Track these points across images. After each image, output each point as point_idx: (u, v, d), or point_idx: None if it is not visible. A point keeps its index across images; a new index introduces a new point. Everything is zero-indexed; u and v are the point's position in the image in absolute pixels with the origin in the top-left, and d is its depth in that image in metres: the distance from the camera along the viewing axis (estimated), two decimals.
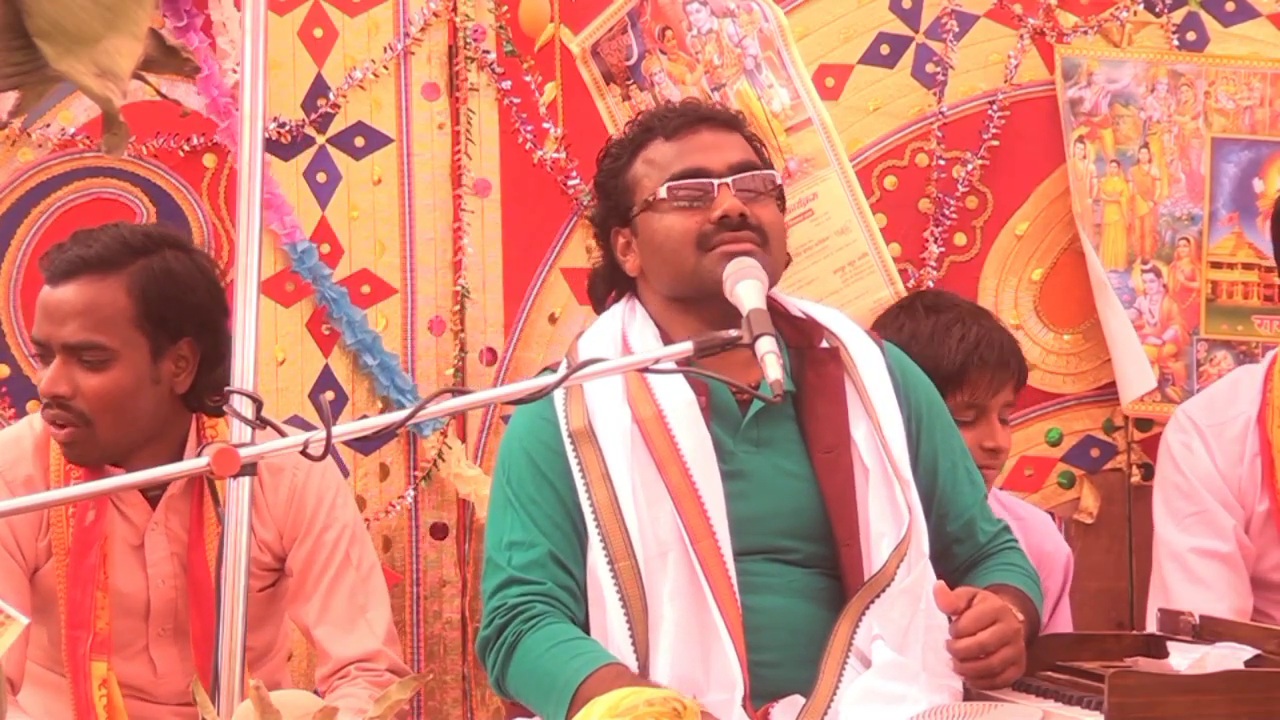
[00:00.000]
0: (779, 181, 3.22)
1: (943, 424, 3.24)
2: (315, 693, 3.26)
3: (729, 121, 3.23)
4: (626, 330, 3.16)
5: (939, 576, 3.05)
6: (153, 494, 3.35)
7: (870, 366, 3.14)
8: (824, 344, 3.16)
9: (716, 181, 3.12)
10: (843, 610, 3.00)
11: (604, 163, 3.26)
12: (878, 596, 2.99)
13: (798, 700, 2.95)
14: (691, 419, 3.05)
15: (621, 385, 3.07)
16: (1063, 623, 3.77)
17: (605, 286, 3.28)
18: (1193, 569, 3.75)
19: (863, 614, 2.98)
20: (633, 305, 3.20)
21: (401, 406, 3.90)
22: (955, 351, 3.60)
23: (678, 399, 3.06)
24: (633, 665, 2.96)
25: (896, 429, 3.11)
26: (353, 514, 3.47)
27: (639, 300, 3.21)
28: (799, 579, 3.06)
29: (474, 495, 3.92)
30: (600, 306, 3.29)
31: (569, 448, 3.07)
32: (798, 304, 3.22)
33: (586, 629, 3.03)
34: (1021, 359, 3.73)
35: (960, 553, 3.20)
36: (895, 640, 2.97)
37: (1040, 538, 3.78)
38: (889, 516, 3.04)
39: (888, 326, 3.64)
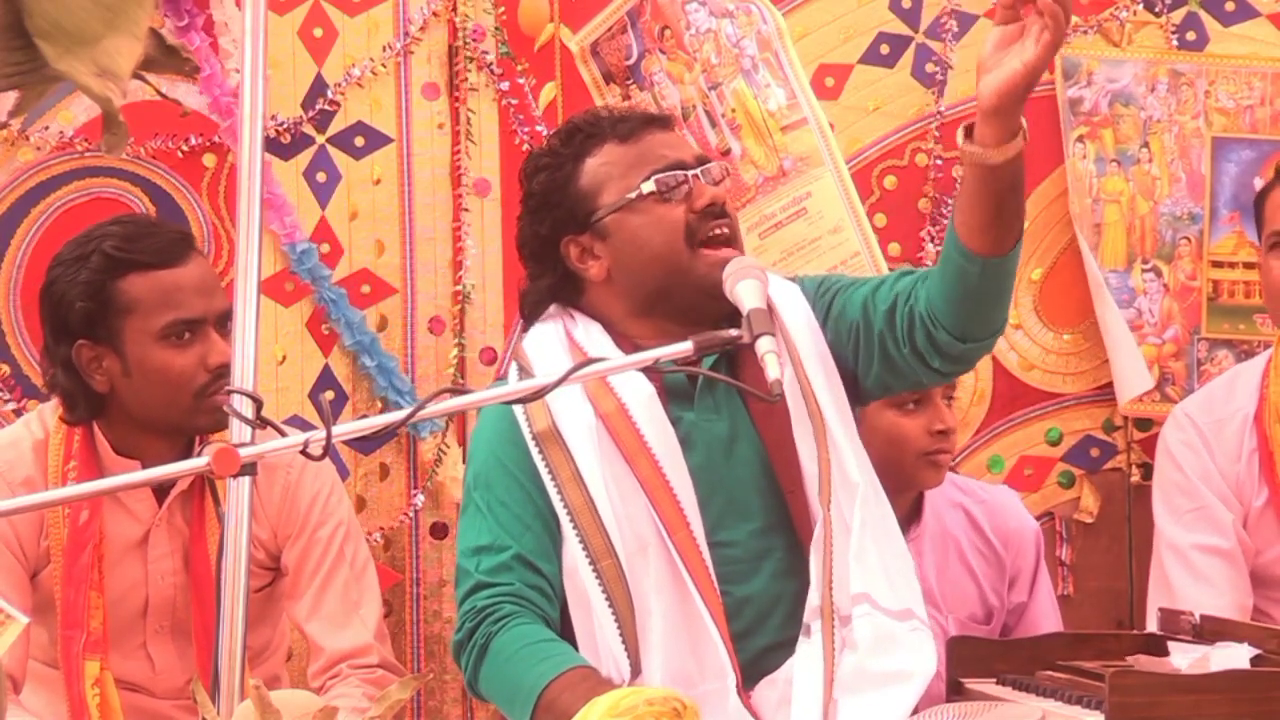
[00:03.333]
0: (729, 170, 3.26)
1: (834, 278, 3.19)
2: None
3: (670, 122, 3.27)
4: (570, 331, 3.15)
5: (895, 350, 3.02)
6: (161, 490, 3.36)
7: (789, 306, 3.12)
8: None
9: (691, 173, 3.14)
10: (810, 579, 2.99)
11: (539, 176, 3.19)
12: (832, 552, 2.97)
13: (773, 678, 2.96)
14: (653, 410, 3.06)
15: (580, 383, 3.05)
16: (1045, 599, 3.75)
17: (547, 303, 3.21)
18: (1195, 565, 3.75)
19: (830, 579, 2.97)
20: (566, 310, 3.19)
21: (400, 407, 3.90)
22: None
23: (638, 391, 3.06)
24: (625, 663, 2.97)
25: (818, 362, 3.08)
26: (347, 511, 3.48)
27: (578, 308, 3.18)
28: (780, 556, 3.06)
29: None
30: (533, 322, 3.24)
31: (534, 450, 3.07)
32: None
33: (560, 627, 3.04)
34: None
35: (882, 311, 3.05)
36: (876, 581, 2.96)
37: (1004, 517, 3.75)
38: (814, 457, 3.03)
39: None
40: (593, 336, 3.13)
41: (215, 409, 3.24)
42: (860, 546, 2.98)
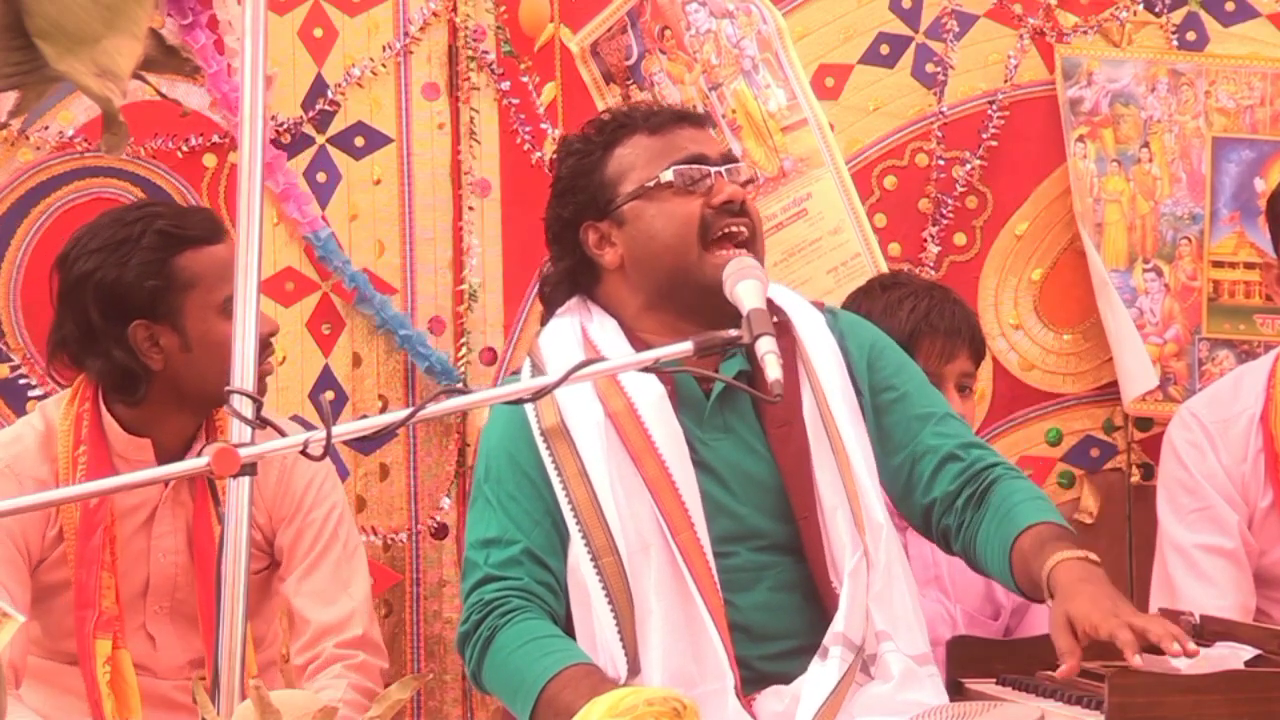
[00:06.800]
0: (757, 179, 3.27)
1: (891, 361, 3.21)
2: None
3: (705, 121, 3.29)
4: (586, 327, 3.17)
5: (914, 515, 3.10)
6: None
7: (813, 334, 3.14)
8: (775, 319, 3.15)
9: (714, 169, 3.15)
10: (826, 599, 3.01)
11: (568, 160, 3.24)
12: (865, 583, 2.99)
13: (780, 690, 2.96)
14: (662, 411, 3.06)
15: (590, 381, 3.07)
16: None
17: (566, 288, 3.24)
18: (1198, 565, 3.75)
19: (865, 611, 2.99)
20: (585, 304, 3.21)
21: (432, 373, 3.97)
22: (905, 321, 3.60)
23: (648, 392, 3.07)
24: (622, 661, 2.97)
25: (840, 396, 3.10)
26: (340, 494, 3.52)
27: (595, 299, 3.21)
28: (784, 569, 3.07)
29: None
30: (554, 310, 3.26)
31: (542, 446, 3.08)
32: None
33: (565, 624, 3.05)
34: (977, 330, 3.72)
35: (919, 504, 3.13)
36: (899, 624, 2.99)
37: None
38: (838, 490, 3.05)
39: (848, 309, 3.63)
40: (607, 334, 3.14)
41: (262, 377, 3.29)
42: (885, 586, 3.01)
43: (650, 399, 3.07)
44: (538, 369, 3.14)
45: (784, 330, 3.13)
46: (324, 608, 3.39)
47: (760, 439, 3.11)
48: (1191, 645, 2.69)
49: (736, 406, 3.12)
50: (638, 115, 3.23)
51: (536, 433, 3.09)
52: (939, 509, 3.10)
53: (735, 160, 3.21)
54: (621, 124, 3.22)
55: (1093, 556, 2.84)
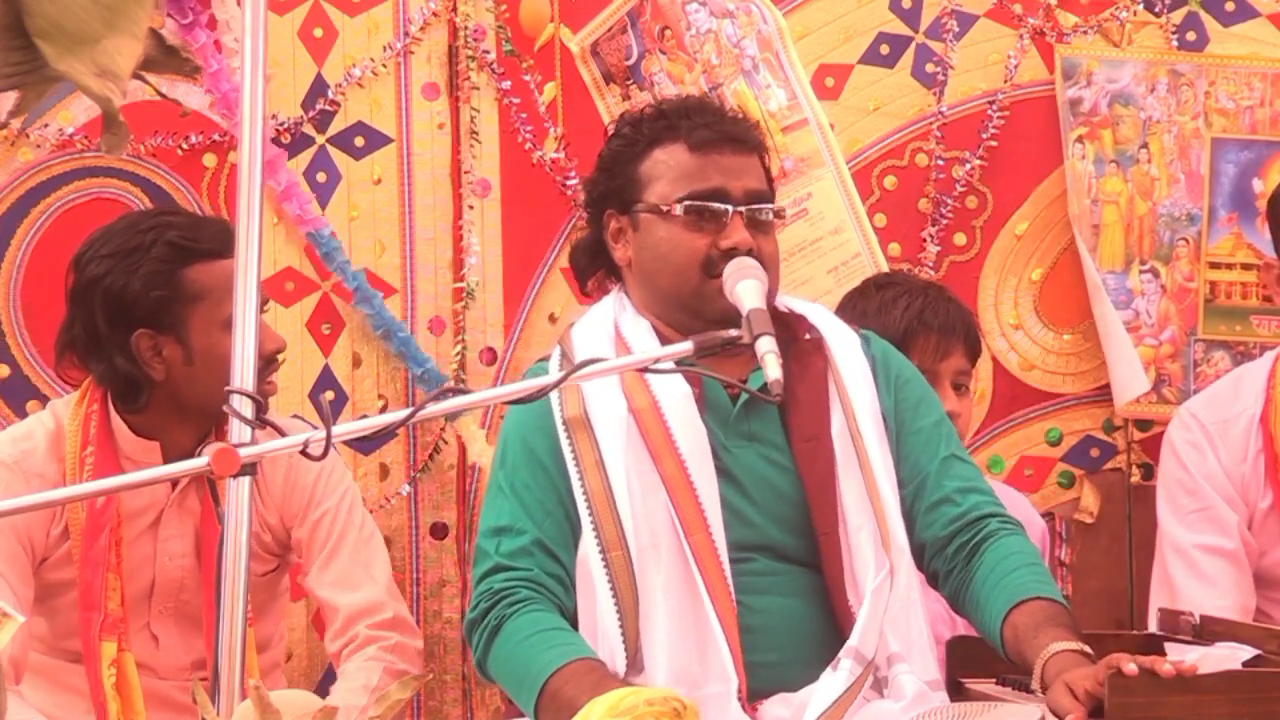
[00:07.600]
0: (784, 213, 3.25)
1: (914, 393, 3.21)
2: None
3: (753, 146, 3.21)
4: (619, 323, 3.17)
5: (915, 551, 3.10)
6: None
7: (847, 355, 3.15)
8: (807, 336, 3.17)
9: (732, 209, 3.11)
10: (840, 614, 3.02)
11: (613, 141, 3.23)
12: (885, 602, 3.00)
13: (787, 698, 2.96)
14: (687, 411, 3.06)
15: (617, 375, 3.07)
16: None
17: (588, 261, 3.27)
18: (1198, 565, 3.75)
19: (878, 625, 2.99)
20: (622, 299, 3.22)
21: (424, 380, 3.96)
22: (900, 320, 3.60)
23: (674, 391, 3.07)
24: (621, 655, 2.97)
25: (870, 418, 3.11)
26: (350, 482, 3.54)
27: (625, 287, 3.22)
28: (798, 578, 3.06)
29: (482, 459, 3.95)
30: (582, 279, 3.30)
31: (563, 435, 3.08)
32: (781, 299, 3.22)
33: (574, 617, 3.04)
34: (973, 328, 3.71)
35: (920, 514, 3.14)
36: (912, 648, 2.99)
37: (1014, 508, 3.73)
38: (864, 509, 3.05)
39: (843, 310, 3.64)
40: (640, 333, 3.14)
41: (266, 395, 3.31)
42: (901, 610, 3.01)
43: (675, 398, 3.07)
44: (567, 357, 3.15)
45: (817, 348, 3.15)
46: (350, 593, 3.41)
47: (785, 452, 3.11)
48: (1186, 664, 2.68)
49: (763, 416, 3.11)
50: (686, 123, 3.17)
51: (558, 421, 3.09)
52: (930, 551, 3.11)
53: (763, 200, 3.15)
54: (670, 124, 3.18)
55: (1087, 650, 2.84)
